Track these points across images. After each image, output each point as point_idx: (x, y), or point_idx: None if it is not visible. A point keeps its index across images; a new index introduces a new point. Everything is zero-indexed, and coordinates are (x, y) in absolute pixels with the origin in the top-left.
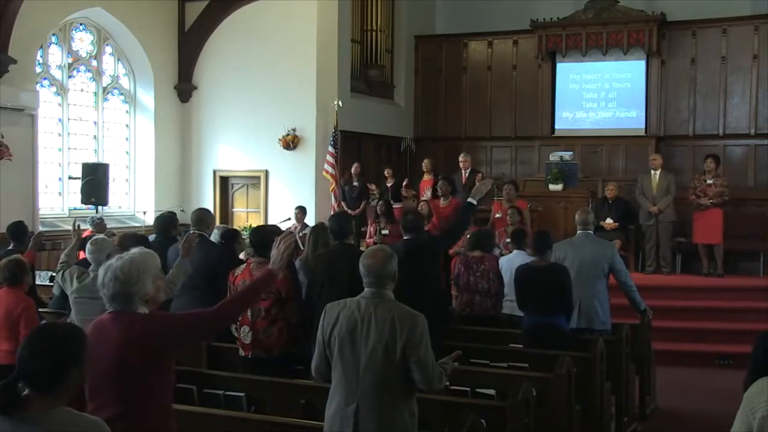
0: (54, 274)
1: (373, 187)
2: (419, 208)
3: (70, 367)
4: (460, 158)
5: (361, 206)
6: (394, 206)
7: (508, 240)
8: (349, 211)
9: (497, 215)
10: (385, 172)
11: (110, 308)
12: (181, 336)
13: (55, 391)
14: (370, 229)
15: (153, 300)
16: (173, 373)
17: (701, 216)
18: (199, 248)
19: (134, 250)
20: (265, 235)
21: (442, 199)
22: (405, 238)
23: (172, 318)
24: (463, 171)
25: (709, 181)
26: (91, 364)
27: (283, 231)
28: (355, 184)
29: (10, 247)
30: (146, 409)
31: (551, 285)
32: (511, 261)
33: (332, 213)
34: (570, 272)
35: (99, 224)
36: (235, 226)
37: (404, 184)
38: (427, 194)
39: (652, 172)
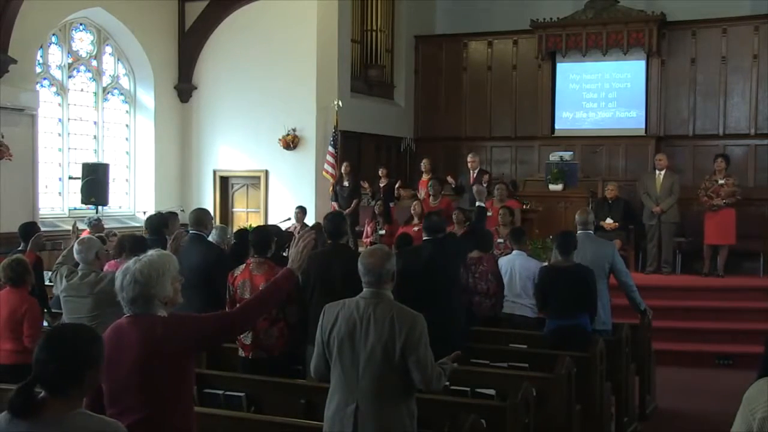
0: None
1: (365, 185)
2: (412, 208)
3: (87, 369)
4: (469, 158)
5: (353, 205)
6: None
7: (500, 240)
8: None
9: (488, 214)
10: (379, 172)
11: (129, 312)
12: (203, 337)
13: (71, 394)
14: (368, 228)
15: (171, 302)
16: (193, 375)
17: (714, 217)
18: (196, 248)
19: (151, 252)
20: (265, 234)
21: (432, 198)
22: (427, 239)
23: (193, 319)
24: (471, 171)
25: (720, 181)
26: (110, 369)
27: (283, 231)
28: (346, 183)
29: (20, 248)
30: (169, 412)
31: (577, 286)
32: (511, 261)
33: (327, 213)
34: None
35: (96, 225)
36: (235, 227)
37: (398, 185)
38: (424, 194)
39: (657, 172)
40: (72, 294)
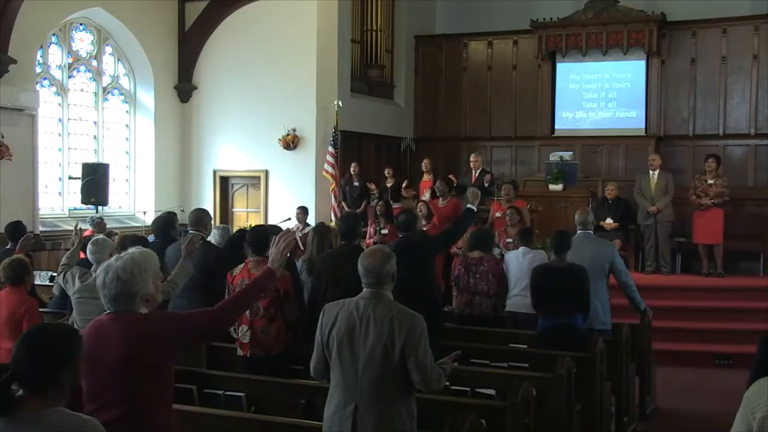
0: (54, 274)
1: (372, 186)
2: (418, 209)
3: (63, 368)
4: (471, 158)
5: (362, 206)
6: (393, 206)
7: (509, 240)
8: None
9: (497, 215)
10: (386, 172)
11: (111, 309)
12: (184, 335)
13: (48, 392)
14: (370, 229)
15: (152, 299)
16: (173, 372)
17: (702, 216)
18: (197, 249)
19: (133, 250)
20: (263, 234)
21: (440, 199)
22: (398, 237)
23: (175, 317)
24: (473, 171)
25: (710, 181)
26: (91, 366)
27: (282, 230)
28: (356, 184)
29: (8, 247)
30: (150, 409)
31: (571, 286)
32: (518, 257)
33: (341, 213)
34: None
35: (99, 224)
36: (236, 227)
37: (404, 185)
38: (426, 195)
39: (651, 172)
40: (86, 295)
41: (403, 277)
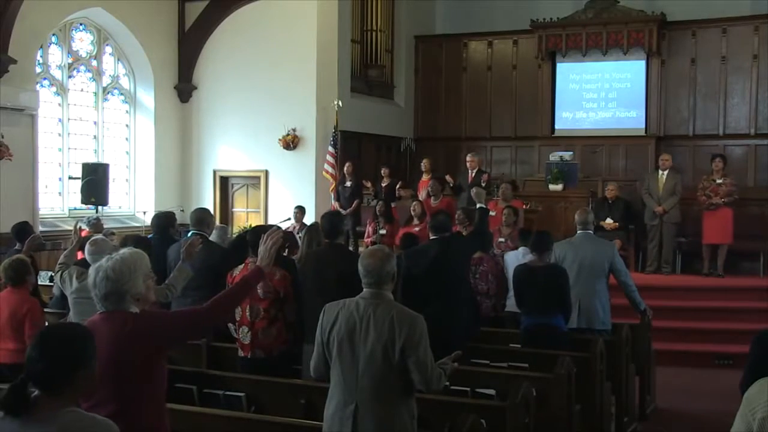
0: (54, 274)
1: (368, 184)
2: (412, 208)
3: (78, 368)
4: (468, 158)
5: (354, 205)
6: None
7: (501, 239)
8: (342, 210)
9: (492, 214)
10: (382, 172)
11: (102, 308)
12: (174, 334)
13: (63, 392)
14: (369, 229)
15: (144, 299)
16: (165, 370)
17: (712, 216)
18: (200, 249)
19: (124, 250)
20: (262, 234)
21: (432, 198)
22: (434, 238)
23: (164, 316)
24: (470, 171)
25: (719, 181)
26: None
27: (282, 231)
28: (348, 183)
29: (16, 247)
30: (141, 406)
31: (550, 286)
32: (518, 257)
33: (325, 212)
34: (570, 272)
35: (96, 224)
36: (235, 227)
37: (398, 186)
38: (422, 194)
39: (660, 171)
40: (83, 296)
41: (448, 280)
